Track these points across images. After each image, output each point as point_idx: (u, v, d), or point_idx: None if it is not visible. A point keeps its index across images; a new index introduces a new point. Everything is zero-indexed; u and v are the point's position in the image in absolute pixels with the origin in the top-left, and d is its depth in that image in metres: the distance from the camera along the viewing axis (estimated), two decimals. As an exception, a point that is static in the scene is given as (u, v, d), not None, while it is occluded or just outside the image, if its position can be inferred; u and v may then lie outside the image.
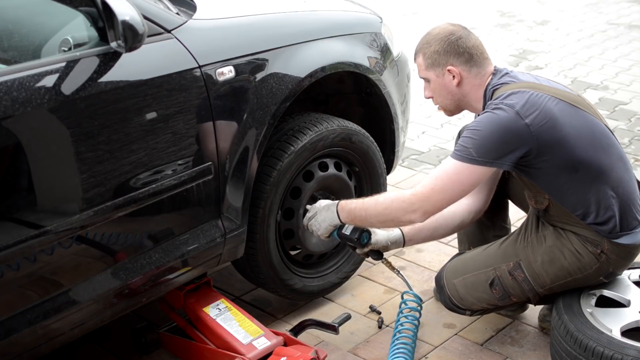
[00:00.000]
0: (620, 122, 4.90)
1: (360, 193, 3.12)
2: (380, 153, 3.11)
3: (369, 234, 2.75)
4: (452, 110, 2.67)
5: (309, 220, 2.74)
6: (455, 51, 2.54)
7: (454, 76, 2.56)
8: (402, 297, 2.93)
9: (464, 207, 2.80)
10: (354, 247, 2.80)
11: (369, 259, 2.88)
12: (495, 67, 2.60)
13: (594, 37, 6.90)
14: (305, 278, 3.02)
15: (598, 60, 6.22)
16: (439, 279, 2.79)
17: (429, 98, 2.68)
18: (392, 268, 2.92)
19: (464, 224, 2.84)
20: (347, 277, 3.18)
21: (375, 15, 3.25)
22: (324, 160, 2.93)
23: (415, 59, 2.65)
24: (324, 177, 2.91)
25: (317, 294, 3.09)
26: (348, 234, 2.71)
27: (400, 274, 2.92)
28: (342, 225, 2.70)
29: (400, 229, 2.83)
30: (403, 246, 2.86)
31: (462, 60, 2.54)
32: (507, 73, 2.57)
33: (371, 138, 3.04)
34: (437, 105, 2.69)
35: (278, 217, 2.83)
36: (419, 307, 2.88)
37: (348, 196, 3.03)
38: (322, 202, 2.74)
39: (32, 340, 2.20)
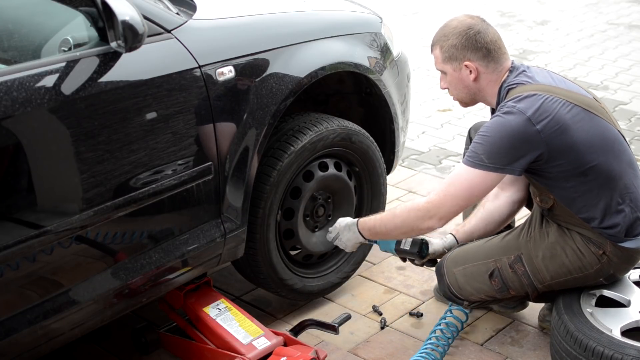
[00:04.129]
0: (620, 122, 4.89)
1: (361, 193, 3.12)
2: (380, 153, 3.11)
3: (427, 246, 2.80)
4: (467, 102, 2.66)
5: (333, 241, 2.84)
6: (473, 46, 2.51)
7: (470, 71, 2.54)
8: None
9: (507, 199, 2.83)
10: (413, 259, 2.86)
11: (425, 266, 2.93)
12: (512, 62, 2.57)
13: (594, 37, 6.90)
14: (305, 278, 3.02)
15: (598, 60, 6.22)
16: (439, 268, 2.79)
17: (444, 89, 2.67)
18: None
19: (512, 214, 2.87)
20: (347, 277, 3.18)
21: (375, 15, 3.24)
22: (324, 160, 2.93)
23: (432, 51, 2.63)
24: (324, 177, 2.91)
25: (317, 294, 3.09)
26: (408, 249, 2.79)
27: None
28: (399, 241, 2.78)
29: (452, 234, 2.88)
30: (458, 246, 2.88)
31: (480, 55, 2.52)
32: (524, 71, 2.53)
33: (371, 138, 3.04)
34: (453, 96, 2.68)
35: (278, 217, 2.83)
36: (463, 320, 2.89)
37: (348, 196, 3.03)
38: (342, 222, 2.82)
39: (32, 340, 2.20)
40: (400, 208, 2.63)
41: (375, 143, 3.07)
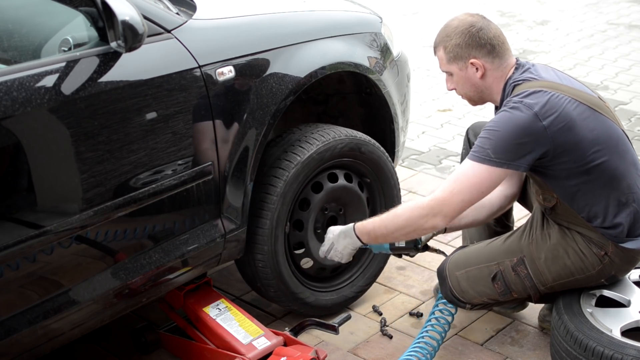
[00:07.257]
0: (620, 122, 4.90)
1: (373, 205, 3.06)
2: (392, 163, 3.06)
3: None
4: (477, 100, 2.64)
5: (326, 253, 2.71)
6: (477, 43, 2.50)
7: (477, 68, 2.52)
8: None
9: (499, 193, 2.81)
10: (409, 254, 2.82)
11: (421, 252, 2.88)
12: (517, 60, 2.56)
13: (594, 37, 6.90)
14: (317, 292, 2.96)
15: (598, 60, 6.22)
16: (441, 271, 2.77)
17: (451, 90, 2.65)
18: (436, 250, 2.89)
19: (502, 208, 2.85)
20: (362, 292, 3.10)
21: (375, 15, 3.24)
22: (334, 171, 2.88)
23: (435, 53, 2.61)
24: (334, 188, 2.86)
25: (331, 308, 3.00)
26: (404, 245, 2.74)
27: (444, 253, 2.90)
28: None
29: None
30: (444, 232, 2.90)
31: (485, 52, 2.51)
32: (529, 68, 2.53)
33: (382, 148, 2.99)
34: (461, 96, 2.66)
35: (287, 229, 2.79)
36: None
37: (359, 208, 2.98)
38: (334, 230, 2.69)
39: (32, 340, 2.20)
40: (401, 207, 2.59)
41: (386, 153, 3.01)
